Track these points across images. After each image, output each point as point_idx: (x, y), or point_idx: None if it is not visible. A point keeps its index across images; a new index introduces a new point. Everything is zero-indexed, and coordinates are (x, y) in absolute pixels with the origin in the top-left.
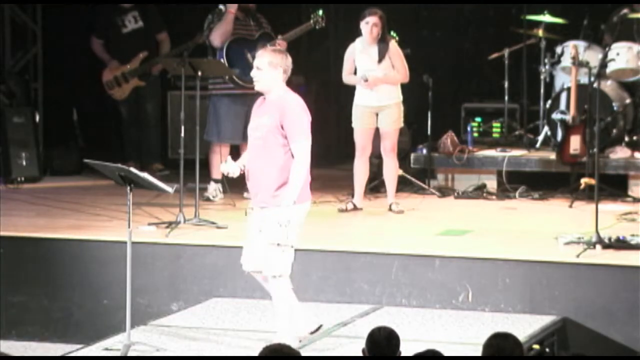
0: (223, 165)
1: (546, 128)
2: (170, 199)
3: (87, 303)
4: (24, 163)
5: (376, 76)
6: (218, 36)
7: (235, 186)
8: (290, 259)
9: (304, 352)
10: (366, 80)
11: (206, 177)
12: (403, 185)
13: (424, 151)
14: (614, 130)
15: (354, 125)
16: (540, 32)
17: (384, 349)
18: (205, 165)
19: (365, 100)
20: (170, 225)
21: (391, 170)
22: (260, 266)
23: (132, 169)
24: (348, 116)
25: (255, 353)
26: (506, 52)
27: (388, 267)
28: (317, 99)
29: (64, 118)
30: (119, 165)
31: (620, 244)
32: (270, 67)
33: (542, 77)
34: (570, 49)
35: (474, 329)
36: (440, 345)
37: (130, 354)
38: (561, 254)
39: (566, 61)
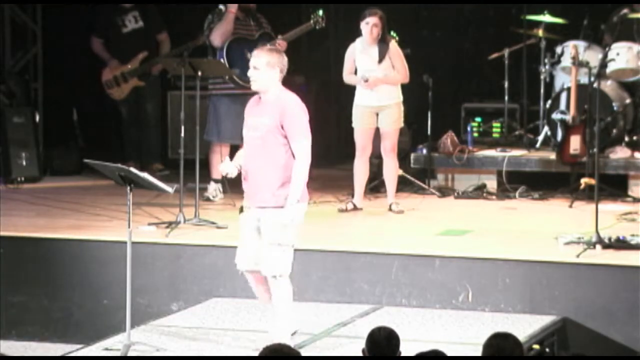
0: (221, 165)
1: (546, 128)
2: (170, 199)
3: (87, 303)
4: (24, 163)
5: (376, 76)
6: (218, 36)
7: (235, 186)
8: (290, 258)
9: (304, 352)
10: (366, 81)
11: (206, 177)
12: (403, 185)
13: (424, 151)
14: (614, 130)
15: (354, 125)
16: (540, 32)
17: (384, 349)
18: (205, 165)
19: (365, 100)
20: (170, 225)
21: (391, 170)
22: (258, 266)
23: (132, 169)
24: (348, 116)
25: (255, 353)
26: (506, 52)
27: (388, 267)
28: (317, 99)
29: (64, 118)
30: (119, 165)
31: (620, 244)
32: (268, 67)
33: (542, 77)
34: (570, 49)
35: (474, 329)
36: (440, 345)
37: (130, 354)
38: (561, 254)
39: (566, 61)
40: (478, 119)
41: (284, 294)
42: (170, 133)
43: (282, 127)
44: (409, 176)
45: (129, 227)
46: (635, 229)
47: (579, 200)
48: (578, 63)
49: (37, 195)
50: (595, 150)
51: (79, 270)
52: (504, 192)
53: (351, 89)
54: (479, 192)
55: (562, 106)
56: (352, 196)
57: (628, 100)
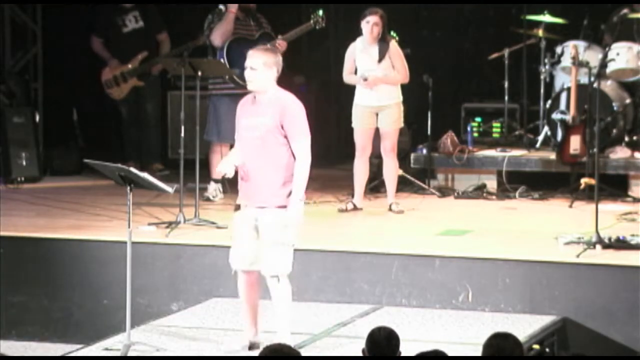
0: (218, 166)
1: (546, 128)
2: (170, 199)
3: (87, 303)
4: (24, 163)
5: (376, 76)
6: (218, 36)
7: (236, 186)
8: (290, 258)
9: (304, 352)
10: (365, 80)
11: (206, 177)
12: (403, 185)
13: (424, 151)
14: (614, 130)
15: (354, 125)
16: (540, 32)
17: (384, 349)
18: (205, 165)
19: (365, 100)
20: (170, 225)
21: (391, 170)
22: (253, 266)
23: (132, 169)
24: (348, 116)
25: (255, 353)
26: (506, 52)
27: (388, 267)
28: (317, 99)
29: (64, 118)
30: (119, 165)
31: (620, 244)
32: (265, 67)
33: (542, 77)
34: (570, 49)
35: (474, 329)
36: (440, 345)
37: (130, 354)
38: (561, 254)
39: (566, 61)
40: (478, 119)
41: (283, 294)
42: (170, 133)
43: (282, 127)
44: (409, 176)
45: (129, 227)
46: (635, 229)
47: (579, 200)
48: (578, 63)
49: (37, 195)
50: (595, 150)
51: (79, 270)
52: (504, 192)
53: (351, 89)
54: (479, 192)
55: (562, 106)
56: (352, 196)
57: (628, 100)
